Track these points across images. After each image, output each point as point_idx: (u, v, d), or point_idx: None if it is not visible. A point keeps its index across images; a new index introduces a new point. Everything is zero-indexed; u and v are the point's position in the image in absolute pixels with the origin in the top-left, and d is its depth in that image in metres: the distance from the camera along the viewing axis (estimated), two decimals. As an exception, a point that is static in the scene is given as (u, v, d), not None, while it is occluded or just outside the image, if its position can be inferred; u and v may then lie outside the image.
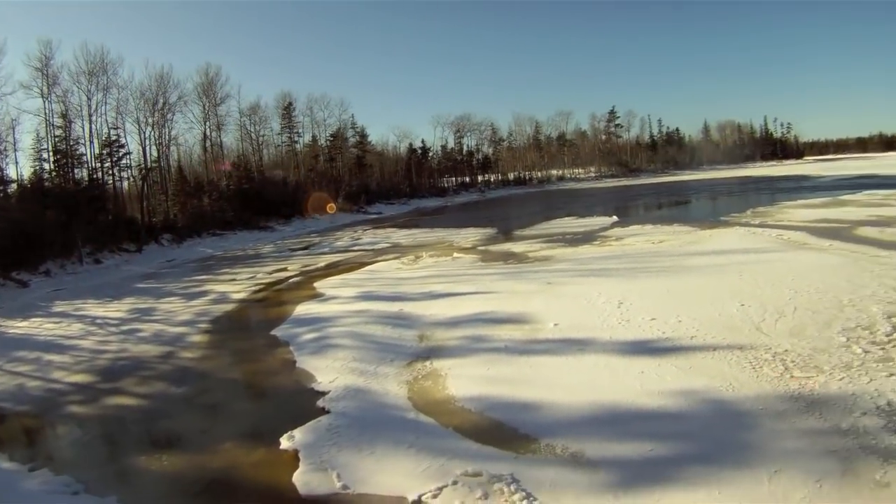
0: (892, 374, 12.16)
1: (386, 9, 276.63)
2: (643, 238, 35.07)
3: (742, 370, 12.92)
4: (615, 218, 49.28)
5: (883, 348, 13.71)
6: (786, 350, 13.93)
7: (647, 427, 10.67)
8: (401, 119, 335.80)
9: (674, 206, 63.47)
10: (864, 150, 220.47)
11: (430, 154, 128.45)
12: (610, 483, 9.03)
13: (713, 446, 9.75)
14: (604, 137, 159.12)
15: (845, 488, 8.31)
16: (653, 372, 13.16)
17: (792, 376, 12.41)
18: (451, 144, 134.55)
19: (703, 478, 8.79)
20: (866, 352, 13.52)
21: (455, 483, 9.31)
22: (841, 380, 12.05)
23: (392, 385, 14.33)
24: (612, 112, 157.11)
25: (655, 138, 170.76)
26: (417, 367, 15.49)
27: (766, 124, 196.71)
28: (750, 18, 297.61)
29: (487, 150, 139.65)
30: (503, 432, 11.22)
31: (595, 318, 17.65)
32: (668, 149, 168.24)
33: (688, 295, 19.54)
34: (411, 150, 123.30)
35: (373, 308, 22.38)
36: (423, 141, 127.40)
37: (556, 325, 17.35)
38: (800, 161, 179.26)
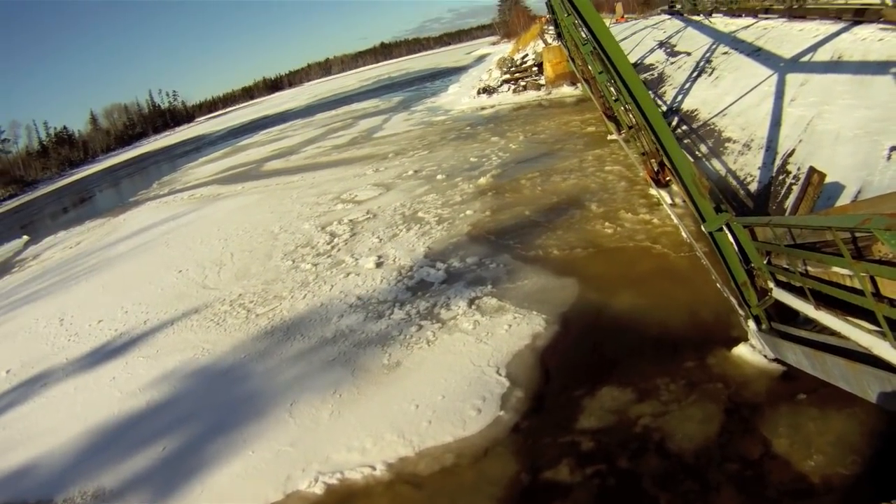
0: (349, 274, 14.34)
1: None
2: (59, 248, 33.09)
3: (208, 331, 13.42)
4: (26, 237, 44.89)
5: (330, 256, 16.03)
6: (240, 294, 15.05)
7: (147, 428, 10.26)
8: None
9: (80, 204, 60.90)
10: (252, 97, 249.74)
11: None
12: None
13: (221, 413, 9.91)
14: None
15: (363, 385, 9.47)
16: (124, 373, 12.74)
17: (257, 315, 13.47)
18: None
19: (230, 447, 8.88)
20: (316, 265, 15.59)
21: None
22: (304, 298, 13.64)
23: None
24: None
25: (45, 143, 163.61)
26: None
27: (151, 98, 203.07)
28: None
29: None
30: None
31: (43, 346, 16.30)
32: (60, 150, 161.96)
33: (125, 284, 19.43)
34: None
35: None
36: None
37: (7, 372, 15.33)
38: (192, 124, 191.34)
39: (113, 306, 17.33)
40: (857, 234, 4.93)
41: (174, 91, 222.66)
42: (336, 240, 17.36)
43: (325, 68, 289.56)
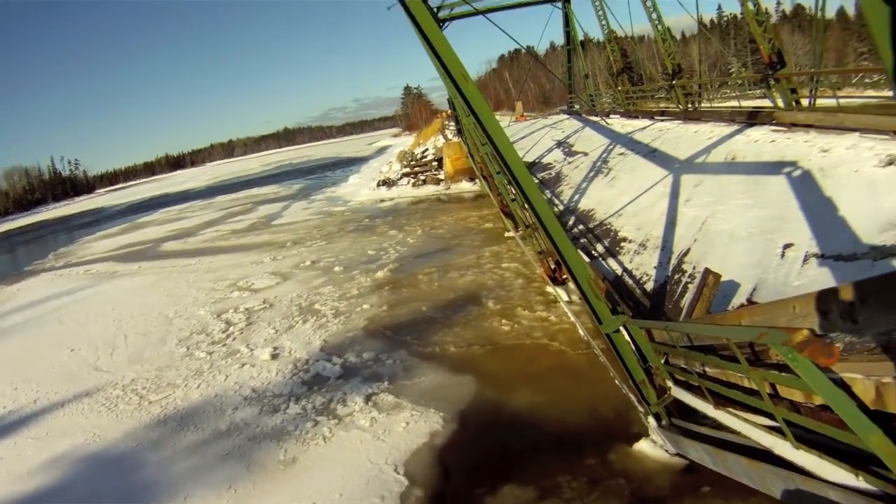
0: (244, 365, 13.92)
1: None
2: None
3: (99, 415, 12.66)
4: None
5: (225, 345, 15.55)
6: (133, 380, 14.33)
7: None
8: None
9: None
10: (154, 173, 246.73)
11: None
12: None
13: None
14: None
15: (259, 481, 9.10)
16: (12, 453, 11.83)
17: (150, 402, 12.83)
18: None
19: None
20: (211, 353, 15.07)
21: None
22: (198, 387, 13.13)
23: None
24: None
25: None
26: None
27: (53, 164, 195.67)
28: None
29: None
30: None
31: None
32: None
33: (15, 358, 18.25)
34: None
35: None
36: None
37: None
38: (93, 195, 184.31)
39: (2, 381, 16.18)
40: (755, 340, 5.02)
41: (76, 160, 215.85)
42: (232, 328, 16.89)
43: (229, 150, 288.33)
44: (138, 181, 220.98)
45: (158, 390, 13.49)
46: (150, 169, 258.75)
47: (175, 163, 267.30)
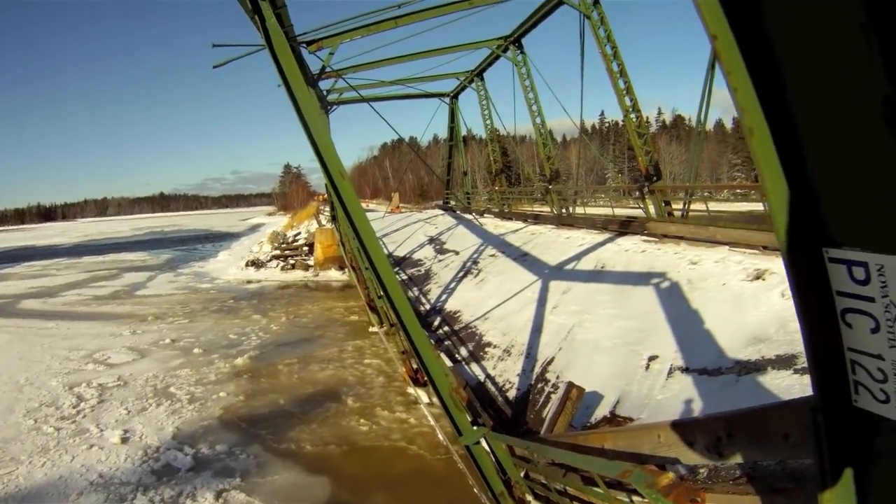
0: (92, 446, 13.22)
1: None
2: None
3: (-70, 488, 11.54)
4: None
5: (74, 421, 14.73)
6: (-25, 450, 13.15)
7: None
8: None
9: None
10: (23, 222, 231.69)
11: None
12: None
13: None
14: None
15: None
16: None
17: None
18: None
19: None
20: (59, 430, 14.22)
21: None
22: (43, 465, 12.35)
23: None
24: None
25: None
26: None
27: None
28: None
29: None
30: None
31: None
32: None
33: None
34: None
35: None
36: None
37: None
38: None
39: None
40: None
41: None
42: (83, 404, 16.05)
43: (102, 208, 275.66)
44: (6, 227, 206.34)
45: (1, 464, 12.61)
46: (19, 216, 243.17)
47: (46, 214, 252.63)
